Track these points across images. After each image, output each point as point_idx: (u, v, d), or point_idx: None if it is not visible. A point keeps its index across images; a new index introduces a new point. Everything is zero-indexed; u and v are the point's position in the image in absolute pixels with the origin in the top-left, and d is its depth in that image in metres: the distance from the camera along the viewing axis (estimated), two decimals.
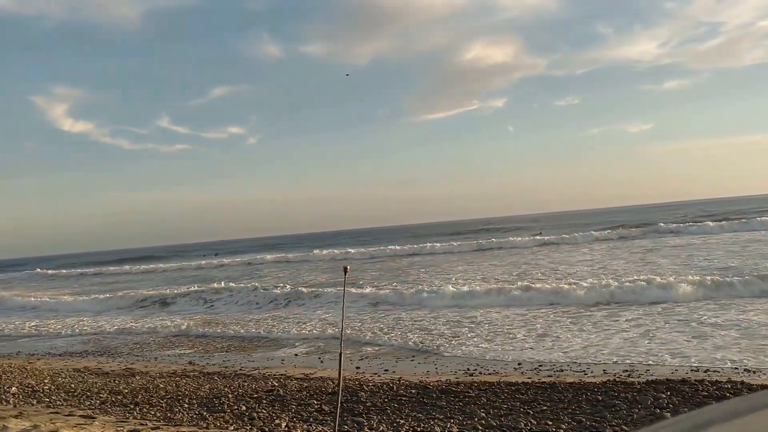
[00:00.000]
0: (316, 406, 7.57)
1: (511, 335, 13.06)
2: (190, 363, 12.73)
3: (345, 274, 5.34)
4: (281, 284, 24.75)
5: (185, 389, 9.17)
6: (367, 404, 7.52)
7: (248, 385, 9.26)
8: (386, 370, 10.59)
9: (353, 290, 19.89)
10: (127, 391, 9.14)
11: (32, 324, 21.52)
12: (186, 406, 7.86)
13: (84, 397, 8.75)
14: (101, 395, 8.82)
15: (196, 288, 23.59)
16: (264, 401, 7.90)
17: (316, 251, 48.15)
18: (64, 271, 56.73)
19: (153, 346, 15.68)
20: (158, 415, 7.32)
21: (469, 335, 13.53)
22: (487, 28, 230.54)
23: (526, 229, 63.30)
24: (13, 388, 8.75)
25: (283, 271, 36.77)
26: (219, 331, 17.07)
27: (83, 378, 11.02)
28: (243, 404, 7.75)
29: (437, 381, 8.88)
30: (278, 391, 8.43)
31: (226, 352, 14.14)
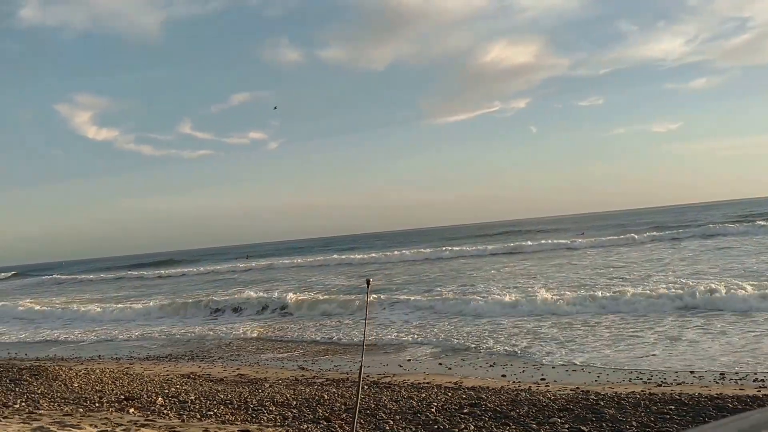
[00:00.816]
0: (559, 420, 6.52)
1: (640, 340, 12.08)
2: (301, 368, 11.83)
3: (368, 287, 5.39)
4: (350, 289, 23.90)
5: (354, 400, 8.21)
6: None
7: (431, 396, 8.25)
8: (543, 379, 9.61)
9: (421, 297, 19.00)
10: (281, 400, 8.22)
11: (101, 329, 20.79)
12: (395, 422, 6.84)
13: (228, 406, 7.86)
14: (250, 404, 7.92)
15: (263, 295, 22.69)
16: (484, 416, 6.85)
17: (358, 255, 47.25)
18: (103, 275, 56.18)
19: (243, 350, 14.81)
20: None
21: (594, 341, 12.54)
22: (508, 29, 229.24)
23: (558, 231, 61.99)
24: (159, 399, 7.87)
25: (330, 274, 35.86)
26: (295, 336, 16.25)
27: (200, 384, 10.16)
28: (471, 421, 6.70)
29: (633, 392, 7.89)
30: (485, 404, 7.37)
31: (324, 356, 13.24)
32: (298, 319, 18.62)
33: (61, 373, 10.61)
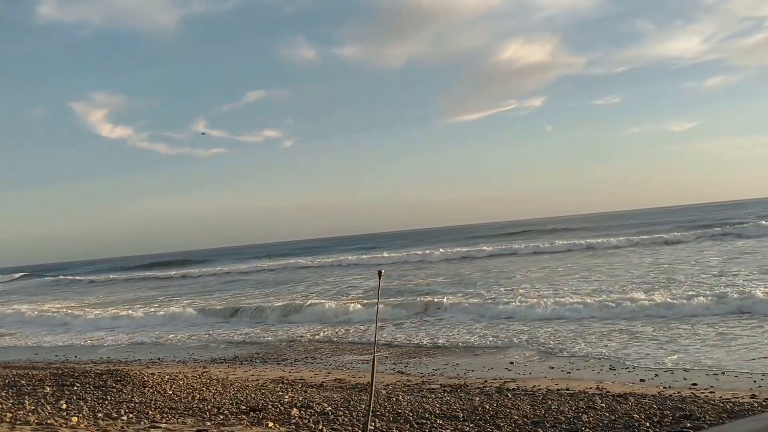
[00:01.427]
0: None
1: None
2: (399, 372, 10.81)
3: (380, 278, 5.29)
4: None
5: (503, 410, 7.15)
6: None
7: (601, 404, 7.22)
8: (694, 384, 8.58)
9: (478, 300, 17.93)
10: (438, 410, 7.19)
11: (144, 332, 19.84)
12: None
13: (383, 419, 6.81)
14: (404, 415, 6.89)
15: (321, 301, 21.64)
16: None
17: (386, 254, 46.20)
18: (124, 275, 55.16)
19: (317, 352, 13.80)
20: None
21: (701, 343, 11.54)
22: (523, 27, 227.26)
23: (582, 230, 60.78)
24: (294, 410, 6.85)
25: (362, 274, 34.81)
26: (362, 339, 15.29)
27: (305, 391, 9.15)
28: None
29: None
30: (696, 414, 6.31)
31: (410, 358, 12.21)
32: (361, 323, 17.54)
33: (146, 378, 9.62)
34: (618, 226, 59.95)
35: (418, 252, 43.33)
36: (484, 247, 42.24)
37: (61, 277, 63.49)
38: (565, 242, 39.66)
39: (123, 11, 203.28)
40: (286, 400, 8.05)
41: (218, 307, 21.65)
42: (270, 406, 7.23)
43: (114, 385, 9.20)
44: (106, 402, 8.16)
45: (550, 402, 7.54)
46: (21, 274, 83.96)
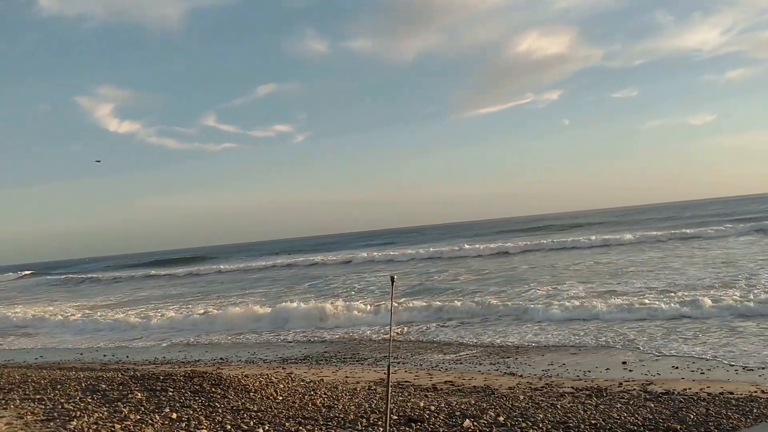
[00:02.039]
0: None
1: None
2: (511, 373, 9.89)
3: (392, 284, 5.23)
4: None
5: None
6: None
7: None
8: None
9: (554, 300, 16.93)
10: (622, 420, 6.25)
11: (193, 331, 19.01)
12: None
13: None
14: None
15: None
16: None
17: (409, 250, 45.20)
18: (153, 271, 54.25)
19: (400, 351, 12.88)
20: None
21: None
22: (540, 19, 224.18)
23: (604, 225, 59.69)
24: (467, 422, 5.92)
25: (397, 272, 33.88)
26: (431, 337, 14.41)
27: (429, 395, 8.26)
28: None
29: None
30: None
31: (508, 357, 11.30)
32: (422, 321, 16.57)
33: (245, 381, 8.74)
34: (647, 220, 58.78)
35: (455, 248, 42.19)
36: (518, 242, 41.02)
37: (70, 275, 62.64)
38: (606, 236, 38.54)
39: (126, 3, 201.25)
40: (421, 406, 7.16)
41: (266, 306, 20.78)
42: (426, 415, 6.32)
43: (213, 389, 8.32)
44: (218, 410, 7.28)
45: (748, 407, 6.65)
46: (28, 271, 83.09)
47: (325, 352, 13.63)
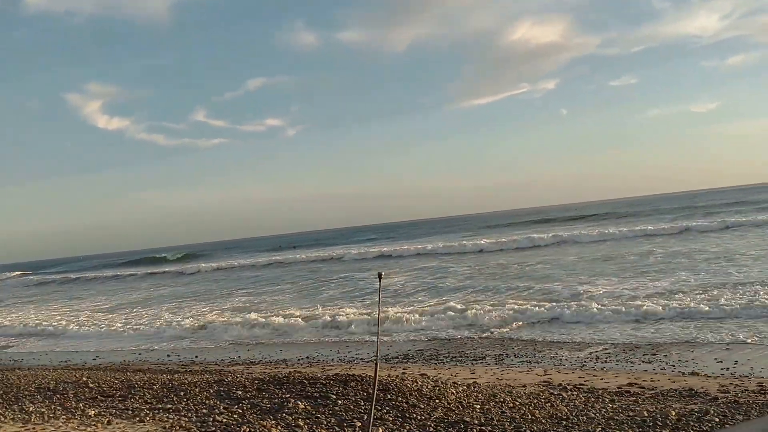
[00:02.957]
0: None
1: None
2: (693, 374, 8.88)
3: (380, 281, 4.71)
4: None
5: None
6: None
7: None
8: None
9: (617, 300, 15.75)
10: None
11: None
12: None
13: None
14: None
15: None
16: None
17: (416, 245, 43.93)
18: (144, 270, 52.41)
19: (510, 349, 11.81)
20: None
21: None
22: (534, 6, 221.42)
23: (614, 216, 59.03)
24: None
25: (412, 270, 32.71)
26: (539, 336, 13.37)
27: (608, 399, 7.23)
28: None
29: None
30: None
31: (626, 353, 10.30)
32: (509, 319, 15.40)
33: (411, 385, 7.60)
34: (656, 211, 58.23)
35: (465, 243, 41.06)
36: (533, 235, 39.80)
37: (69, 275, 60.56)
38: (623, 229, 37.68)
39: None
40: (645, 415, 6.15)
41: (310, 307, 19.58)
42: None
43: (390, 397, 7.18)
44: (417, 422, 6.20)
45: None
46: (18, 272, 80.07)
47: (422, 351, 12.48)
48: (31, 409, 7.83)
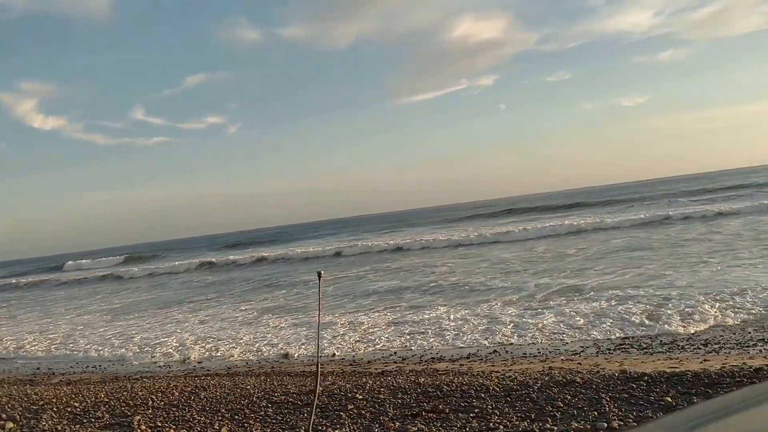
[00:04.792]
0: None
1: None
2: None
3: (320, 280, 5.03)
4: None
5: None
6: None
7: None
8: None
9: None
10: None
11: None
12: None
13: None
14: None
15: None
16: None
17: (364, 242, 43.30)
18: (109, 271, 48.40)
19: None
20: None
21: None
22: (474, 4, 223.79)
23: (563, 209, 60.73)
24: None
25: (378, 271, 32.11)
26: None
27: None
28: None
29: None
30: None
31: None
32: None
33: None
34: (594, 204, 60.13)
35: (426, 237, 40.85)
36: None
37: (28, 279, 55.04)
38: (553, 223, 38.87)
39: None
40: None
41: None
42: None
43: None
44: None
45: None
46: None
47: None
48: None
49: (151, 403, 8.65)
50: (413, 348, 11.65)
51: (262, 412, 7.57)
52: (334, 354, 11.88)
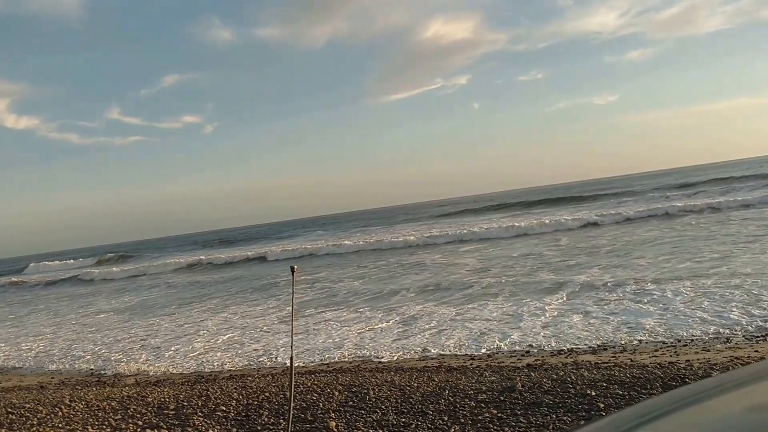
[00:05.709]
0: None
1: None
2: None
3: (293, 275, 4.98)
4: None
5: None
6: None
7: None
8: None
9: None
10: None
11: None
12: None
13: None
14: None
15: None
16: None
17: (367, 238, 42.91)
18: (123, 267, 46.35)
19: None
20: None
21: None
22: (446, 4, 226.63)
23: (517, 206, 61.15)
24: None
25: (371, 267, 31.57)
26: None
27: None
28: None
29: None
30: None
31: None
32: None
33: None
34: (584, 198, 60.71)
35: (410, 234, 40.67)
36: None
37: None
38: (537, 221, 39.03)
39: None
40: None
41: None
42: None
43: None
44: None
45: None
46: None
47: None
48: None
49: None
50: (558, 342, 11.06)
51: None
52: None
